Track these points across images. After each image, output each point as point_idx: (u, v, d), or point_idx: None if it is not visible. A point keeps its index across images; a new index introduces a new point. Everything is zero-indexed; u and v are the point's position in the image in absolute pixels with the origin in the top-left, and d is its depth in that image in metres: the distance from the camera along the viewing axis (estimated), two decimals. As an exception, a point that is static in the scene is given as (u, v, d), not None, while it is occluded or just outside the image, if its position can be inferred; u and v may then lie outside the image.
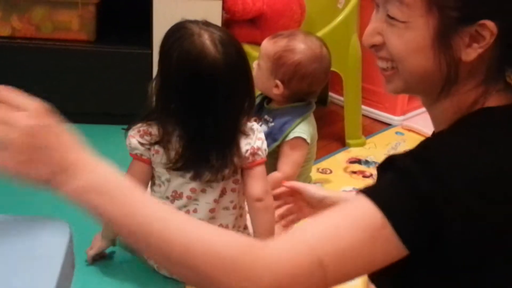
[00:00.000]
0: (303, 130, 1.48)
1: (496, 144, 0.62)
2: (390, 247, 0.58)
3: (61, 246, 0.58)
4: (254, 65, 1.51)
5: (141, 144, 1.20)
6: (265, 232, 1.22)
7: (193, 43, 1.12)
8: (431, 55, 0.64)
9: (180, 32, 1.16)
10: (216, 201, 1.24)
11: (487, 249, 0.59)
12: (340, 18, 1.91)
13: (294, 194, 1.04)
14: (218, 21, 1.91)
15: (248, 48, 1.98)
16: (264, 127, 1.48)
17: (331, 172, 1.88)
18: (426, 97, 0.70)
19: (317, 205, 1.00)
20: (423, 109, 2.54)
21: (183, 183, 1.23)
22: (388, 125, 2.23)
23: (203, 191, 1.23)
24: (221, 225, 1.25)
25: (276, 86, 1.47)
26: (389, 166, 0.61)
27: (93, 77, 1.97)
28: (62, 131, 0.63)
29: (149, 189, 1.30)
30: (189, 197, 1.24)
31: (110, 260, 1.37)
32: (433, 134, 0.71)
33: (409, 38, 0.64)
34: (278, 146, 1.49)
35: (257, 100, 1.49)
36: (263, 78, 1.47)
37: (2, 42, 1.92)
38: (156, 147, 1.20)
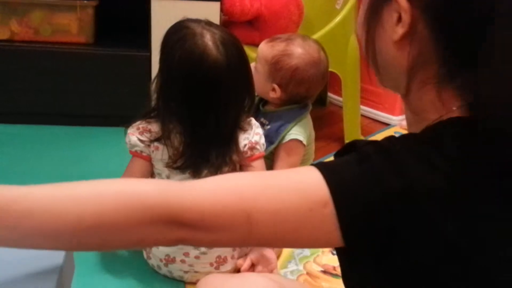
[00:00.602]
0: (299, 132, 1.48)
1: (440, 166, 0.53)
2: (324, 228, 0.52)
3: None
4: (252, 67, 1.52)
5: (141, 141, 1.21)
6: None
7: (195, 44, 1.13)
8: (364, 30, 0.62)
9: (182, 32, 1.16)
10: None
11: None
12: (338, 19, 1.91)
13: None
14: (216, 23, 1.91)
15: (246, 50, 1.98)
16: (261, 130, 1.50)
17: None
18: (395, 91, 0.66)
19: None
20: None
21: (183, 179, 1.23)
22: (387, 125, 2.24)
23: None
24: None
25: (273, 89, 1.48)
26: (349, 149, 0.56)
27: (92, 80, 1.97)
28: None
29: None
30: None
31: (111, 261, 1.37)
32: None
33: (360, 12, 0.64)
34: (275, 149, 1.49)
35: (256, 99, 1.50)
36: (260, 81, 1.48)
37: (1, 45, 1.92)
38: (156, 143, 1.20)
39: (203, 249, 1.26)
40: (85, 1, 1.94)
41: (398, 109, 2.23)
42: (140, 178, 1.23)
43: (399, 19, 0.57)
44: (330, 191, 0.52)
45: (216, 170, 1.20)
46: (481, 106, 0.54)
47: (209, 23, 1.18)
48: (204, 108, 1.16)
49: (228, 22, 2.01)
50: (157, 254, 1.28)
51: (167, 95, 1.17)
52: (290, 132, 1.48)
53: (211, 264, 1.24)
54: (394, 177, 0.52)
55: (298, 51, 1.47)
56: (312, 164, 0.56)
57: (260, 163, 1.26)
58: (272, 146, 1.47)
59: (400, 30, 0.57)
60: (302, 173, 0.55)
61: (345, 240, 0.52)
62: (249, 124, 1.25)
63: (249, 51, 1.96)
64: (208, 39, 1.14)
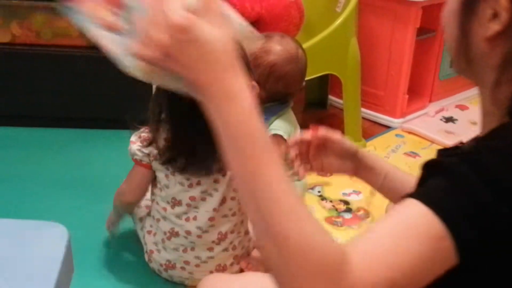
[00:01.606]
0: (278, 126, 1.48)
1: None
2: (444, 259, 0.54)
3: (59, 250, 0.58)
4: None
5: (140, 150, 1.22)
6: None
7: None
8: (455, 23, 0.62)
9: None
10: (215, 210, 1.24)
11: None
12: (338, 21, 1.91)
13: (325, 144, 0.92)
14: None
15: (247, 52, 1.99)
16: None
17: (330, 174, 1.88)
18: (475, 83, 0.67)
19: (349, 158, 0.92)
20: (423, 111, 2.54)
21: (182, 191, 1.23)
22: (388, 127, 2.23)
23: (203, 199, 1.23)
24: (220, 233, 1.25)
25: (252, 87, 1.47)
26: (439, 169, 0.57)
27: (92, 83, 1.97)
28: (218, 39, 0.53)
29: (149, 191, 1.30)
30: (188, 205, 1.24)
31: (111, 263, 1.37)
32: (478, 137, 0.67)
33: (450, 5, 0.64)
34: None
35: None
36: None
37: (2, 48, 1.93)
38: (154, 152, 1.21)
39: (203, 258, 1.26)
40: (86, 5, 1.94)
41: (399, 111, 2.23)
42: (139, 185, 1.27)
43: (494, 16, 0.58)
44: (444, 225, 0.53)
45: (202, 165, 1.18)
46: None
47: None
48: (189, 110, 1.15)
49: (229, 25, 2.02)
50: (157, 259, 1.28)
51: (158, 102, 1.18)
52: (270, 128, 1.47)
53: (211, 272, 1.24)
54: (489, 190, 0.53)
55: (276, 48, 1.47)
56: (409, 195, 0.56)
57: None
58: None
59: (495, 27, 0.58)
60: (410, 215, 0.55)
61: (464, 262, 0.54)
62: None
63: (250, 54, 1.97)
64: None
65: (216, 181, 1.22)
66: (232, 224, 1.27)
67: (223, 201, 1.24)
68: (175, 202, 1.24)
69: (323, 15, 2.09)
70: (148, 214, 1.33)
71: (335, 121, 2.21)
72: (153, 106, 1.19)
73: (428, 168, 0.60)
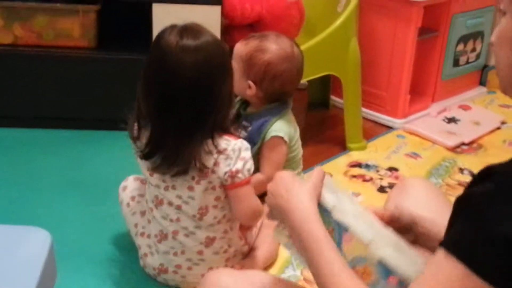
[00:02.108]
0: (279, 128, 1.48)
1: None
2: None
3: (41, 255, 0.59)
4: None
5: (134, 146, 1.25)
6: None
7: (165, 62, 1.14)
8: (510, 50, 0.64)
9: (156, 47, 1.17)
10: (195, 217, 1.23)
11: None
12: (338, 21, 1.90)
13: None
14: (217, 27, 1.92)
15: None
16: (243, 133, 1.47)
17: (331, 176, 1.87)
18: None
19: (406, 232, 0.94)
20: (425, 111, 2.53)
21: (161, 191, 1.24)
22: (389, 128, 2.23)
23: (179, 207, 1.23)
24: (207, 237, 1.25)
25: (249, 87, 1.47)
26: (466, 208, 0.61)
27: (94, 83, 1.98)
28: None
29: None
30: (170, 204, 1.24)
31: (107, 268, 1.38)
32: None
33: (502, 26, 0.66)
34: (259, 148, 1.49)
35: (236, 106, 1.49)
36: (236, 79, 1.44)
37: (4, 50, 1.94)
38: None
39: (195, 260, 1.27)
40: (87, 6, 1.95)
41: (400, 112, 2.22)
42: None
43: None
44: (480, 279, 0.57)
45: (169, 164, 1.18)
46: None
47: (185, 34, 1.15)
48: (165, 108, 1.16)
49: (230, 26, 2.02)
50: (151, 262, 1.29)
51: (139, 98, 1.19)
52: (270, 130, 1.47)
53: (203, 276, 1.24)
54: None
55: (272, 46, 1.47)
56: (441, 244, 0.60)
57: (243, 191, 1.21)
58: (256, 147, 1.47)
59: None
60: (445, 275, 0.59)
61: None
62: (234, 149, 1.19)
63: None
64: (176, 50, 1.13)
65: (190, 189, 1.21)
66: (220, 231, 1.26)
67: (205, 210, 1.23)
68: (158, 202, 1.25)
69: (324, 15, 2.08)
70: (142, 214, 1.34)
71: (337, 121, 2.21)
72: (137, 104, 1.20)
73: (459, 204, 0.62)
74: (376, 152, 2.04)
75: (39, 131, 1.99)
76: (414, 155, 2.03)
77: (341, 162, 1.97)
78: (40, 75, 1.97)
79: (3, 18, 1.93)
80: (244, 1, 1.95)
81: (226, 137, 1.19)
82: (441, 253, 0.60)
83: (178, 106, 1.15)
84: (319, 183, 0.85)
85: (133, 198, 1.39)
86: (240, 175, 1.19)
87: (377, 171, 1.91)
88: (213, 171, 1.18)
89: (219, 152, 1.18)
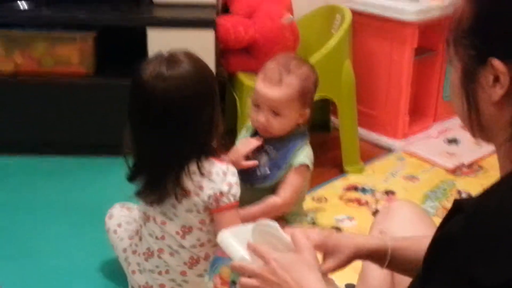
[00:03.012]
0: (306, 155, 1.45)
1: None
2: None
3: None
4: (261, 117, 1.40)
5: None
6: None
7: (143, 88, 1.17)
8: (461, 95, 0.66)
9: (136, 74, 1.20)
10: (178, 233, 1.24)
11: None
12: (331, 43, 1.90)
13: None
14: (211, 51, 1.94)
15: (243, 77, 2.00)
16: (265, 158, 1.45)
17: (326, 200, 1.86)
18: (483, 140, 0.70)
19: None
20: (426, 132, 2.49)
21: (147, 208, 1.26)
22: (389, 149, 2.20)
23: (163, 223, 1.24)
24: (191, 258, 1.25)
25: (301, 115, 1.43)
26: (439, 255, 0.60)
27: (93, 110, 2.01)
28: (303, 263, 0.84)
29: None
30: (154, 221, 1.25)
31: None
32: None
33: (452, 79, 0.68)
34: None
35: (248, 133, 1.48)
36: (289, 120, 1.41)
37: (5, 79, 1.99)
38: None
39: (178, 281, 1.26)
40: (85, 33, 1.99)
41: (400, 133, 2.19)
42: None
43: (495, 80, 0.62)
44: None
45: (158, 199, 1.20)
46: None
47: (172, 65, 1.17)
48: (143, 132, 1.19)
49: (224, 50, 2.04)
50: (138, 280, 1.30)
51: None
52: (299, 156, 1.44)
53: None
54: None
55: (304, 68, 1.43)
56: None
57: (229, 216, 1.20)
58: (282, 172, 1.45)
59: (500, 91, 0.62)
60: None
61: None
62: (219, 173, 1.19)
63: (245, 79, 1.98)
64: (154, 86, 1.15)
65: (173, 206, 1.22)
66: (203, 253, 1.26)
67: (188, 229, 1.23)
68: (145, 218, 1.27)
69: (320, 37, 2.09)
70: (131, 239, 1.35)
71: (337, 144, 2.18)
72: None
73: (434, 247, 0.62)
74: (373, 174, 2.01)
75: (38, 158, 2.02)
76: (412, 178, 2.00)
77: (337, 185, 1.95)
78: (41, 102, 2.00)
79: (4, 47, 1.98)
80: (237, 24, 1.97)
81: (212, 160, 1.20)
82: None
83: (150, 133, 1.16)
84: (312, 250, 0.85)
85: (119, 225, 1.40)
86: (224, 198, 1.19)
87: (373, 194, 1.88)
88: (197, 194, 1.19)
89: (203, 175, 1.18)
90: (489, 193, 0.61)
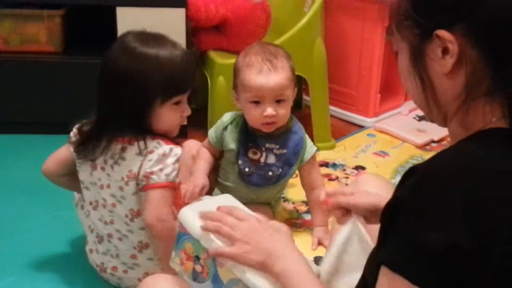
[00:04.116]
0: (309, 140, 1.48)
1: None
2: None
3: None
4: (266, 107, 1.38)
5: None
6: (161, 258, 1.22)
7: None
8: (413, 76, 0.69)
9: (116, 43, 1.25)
10: (127, 216, 1.23)
11: None
12: (303, 21, 1.90)
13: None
14: (182, 29, 1.92)
15: (213, 55, 1.99)
16: (273, 157, 1.42)
17: (296, 176, 1.87)
18: (440, 121, 0.72)
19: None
20: (396, 110, 2.52)
21: (96, 192, 1.27)
22: (361, 127, 2.22)
23: (113, 205, 1.24)
24: (140, 242, 1.25)
25: (293, 95, 1.43)
26: (392, 217, 0.62)
27: (61, 88, 1.98)
28: (267, 225, 0.89)
29: None
30: (104, 206, 1.25)
31: (61, 269, 1.38)
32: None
33: (400, 67, 0.70)
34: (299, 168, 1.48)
35: (233, 130, 1.43)
36: (290, 104, 1.41)
37: (-29, 56, 1.95)
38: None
39: (129, 264, 1.27)
40: (53, 11, 1.95)
41: (371, 111, 2.22)
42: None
43: (444, 52, 0.64)
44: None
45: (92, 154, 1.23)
46: None
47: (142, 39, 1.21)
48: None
49: (196, 28, 2.02)
50: (94, 259, 1.31)
51: None
52: (308, 146, 1.46)
53: (139, 280, 1.23)
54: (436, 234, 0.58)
55: (281, 50, 1.44)
56: (382, 263, 0.62)
57: (155, 194, 1.18)
58: (294, 169, 1.45)
59: (450, 61, 0.64)
60: None
61: None
62: (163, 154, 1.19)
63: (217, 57, 1.97)
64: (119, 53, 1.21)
65: (121, 189, 1.22)
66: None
67: (136, 213, 1.23)
68: (95, 204, 1.27)
69: (292, 16, 2.08)
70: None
71: (308, 121, 2.20)
72: None
73: (389, 211, 0.64)
74: (344, 151, 2.04)
75: (4, 137, 1.99)
76: (383, 154, 2.03)
77: (309, 162, 1.96)
78: (7, 81, 1.97)
79: (-31, 24, 1.93)
80: (209, 2, 1.95)
81: (159, 140, 1.20)
82: (385, 272, 0.61)
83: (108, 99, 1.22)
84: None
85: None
86: (154, 176, 1.18)
87: (344, 170, 1.91)
88: (138, 173, 1.19)
89: (145, 154, 1.19)
90: (437, 157, 0.63)
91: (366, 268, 0.73)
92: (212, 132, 1.46)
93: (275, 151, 1.42)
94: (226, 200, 1.01)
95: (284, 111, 1.38)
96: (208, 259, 0.90)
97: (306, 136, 1.47)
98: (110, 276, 1.28)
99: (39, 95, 1.99)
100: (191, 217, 0.91)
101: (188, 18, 1.94)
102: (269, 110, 1.35)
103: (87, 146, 1.23)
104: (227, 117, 1.45)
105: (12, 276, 1.36)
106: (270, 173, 1.41)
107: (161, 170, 1.18)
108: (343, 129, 2.21)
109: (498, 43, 0.62)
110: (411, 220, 0.59)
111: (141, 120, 1.20)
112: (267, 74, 1.35)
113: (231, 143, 1.42)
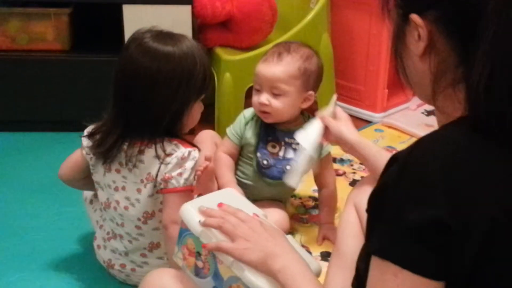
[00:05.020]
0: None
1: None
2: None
3: None
4: (265, 98, 1.40)
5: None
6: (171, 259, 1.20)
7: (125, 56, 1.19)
8: (394, 54, 0.72)
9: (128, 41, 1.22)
10: (139, 220, 1.23)
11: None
12: (309, 17, 1.90)
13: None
14: (188, 26, 1.92)
15: (220, 51, 1.99)
16: (291, 152, 1.43)
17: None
18: (429, 101, 0.73)
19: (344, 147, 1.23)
20: (404, 105, 2.51)
21: (110, 193, 1.26)
22: (368, 122, 2.21)
23: (126, 208, 1.23)
24: (151, 243, 1.25)
25: (306, 99, 1.42)
26: (378, 205, 0.64)
27: (69, 86, 1.99)
28: (268, 227, 0.90)
29: None
30: (115, 208, 1.24)
31: (70, 266, 1.39)
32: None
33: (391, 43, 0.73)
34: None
35: (247, 123, 1.45)
36: (289, 102, 1.40)
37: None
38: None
39: (138, 262, 1.27)
40: (59, 9, 1.96)
41: (379, 106, 2.21)
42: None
43: (419, 36, 0.66)
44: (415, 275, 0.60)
45: (105, 154, 1.21)
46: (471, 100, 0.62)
47: (157, 38, 1.18)
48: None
49: (202, 25, 2.02)
50: (102, 255, 1.31)
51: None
52: (324, 143, 1.43)
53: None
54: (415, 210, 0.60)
55: (306, 49, 1.42)
56: (373, 253, 0.64)
57: (173, 198, 1.17)
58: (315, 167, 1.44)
59: (422, 45, 0.66)
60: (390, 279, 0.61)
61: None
62: (180, 157, 1.17)
63: (223, 54, 1.97)
64: (137, 54, 1.17)
65: (138, 191, 1.21)
66: (163, 236, 1.24)
67: (150, 215, 1.23)
68: (106, 204, 1.27)
69: (298, 11, 2.08)
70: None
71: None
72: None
73: (375, 199, 0.66)
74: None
75: (14, 135, 2.00)
76: (390, 149, 2.02)
77: (316, 157, 1.96)
78: (15, 79, 1.98)
79: (-23, 23, 1.95)
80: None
81: (177, 143, 1.19)
82: (377, 263, 0.62)
83: (125, 100, 1.19)
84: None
85: (95, 195, 1.40)
86: (173, 181, 1.17)
87: (351, 165, 1.90)
88: (157, 176, 1.18)
89: (163, 157, 1.17)
90: (419, 143, 0.64)
91: (358, 265, 0.72)
92: (231, 129, 1.49)
93: (293, 146, 1.43)
94: (228, 194, 1.01)
95: (279, 105, 1.39)
96: (209, 255, 0.90)
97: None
98: (118, 273, 1.29)
99: (47, 93, 2.00)
100: (191, 213, 0.91)
101: (194, 15, 1.94)
102: (262, 98, 1.39)
103: (102, 149, 1.21)
104: (248, 112, 1.49)
105: (21, 272, 1.37)
106: (288, 167, 1.41)
107: (180, 174, 1.17)
108: (350, 125, 2.20)
109: (464, 32, 0.63)
110: (395, 205, 0.61)
111: (176, 121, 1.18)
112: (269, 64, 1.39)
113: (251, 137, 1.45)
